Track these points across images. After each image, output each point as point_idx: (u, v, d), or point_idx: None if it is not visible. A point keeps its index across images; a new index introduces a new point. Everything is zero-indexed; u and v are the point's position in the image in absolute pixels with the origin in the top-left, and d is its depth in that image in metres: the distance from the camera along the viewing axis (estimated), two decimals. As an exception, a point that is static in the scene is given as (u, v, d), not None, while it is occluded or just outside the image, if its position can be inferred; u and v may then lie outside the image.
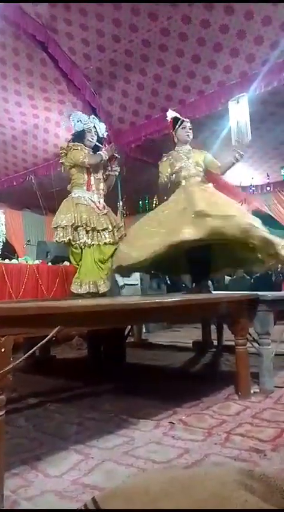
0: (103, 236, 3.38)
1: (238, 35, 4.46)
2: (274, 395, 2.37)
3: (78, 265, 3.40)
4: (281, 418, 1.97)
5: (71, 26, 5.04)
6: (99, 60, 5.37)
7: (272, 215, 7.83)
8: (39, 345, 1.45)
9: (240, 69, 4.80)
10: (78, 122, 3.60)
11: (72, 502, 1.25)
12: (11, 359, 1.33)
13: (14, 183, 7.84)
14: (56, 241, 3.33)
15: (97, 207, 3.44)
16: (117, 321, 2.02)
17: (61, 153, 3.55)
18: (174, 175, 3.31)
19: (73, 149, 3.43)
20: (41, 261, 5.25)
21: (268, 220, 8.71)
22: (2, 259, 4.77)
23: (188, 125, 3.53)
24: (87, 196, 3.43)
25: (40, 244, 6.16)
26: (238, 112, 4.85)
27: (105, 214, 3.49)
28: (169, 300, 2.15)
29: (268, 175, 7.63)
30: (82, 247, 3.32)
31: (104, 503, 0.71)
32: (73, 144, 3.49)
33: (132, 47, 5.04)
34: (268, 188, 7.72)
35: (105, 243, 3.39)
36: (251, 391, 2.41)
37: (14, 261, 4.93)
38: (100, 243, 3.37)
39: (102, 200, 3.54)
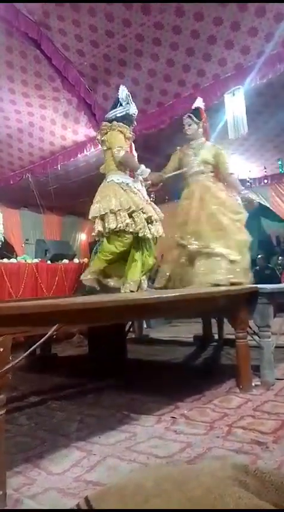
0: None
1: (232, 27, 4.42)
2: (275, 388, 2.38)
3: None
4: (282, 410, 1.97)
5: (64, 22, 5.00)
6: (93, 56, 5.33)
7: (271, 208, 7.81)
8: (38, 343, 1.44)
9: (235, 62, 4.76)
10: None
11: (74, 499, 1.25)
12: (10, 358, 1.33)
13: (11, 182, 7.80)
14: (106, 229, 2.94)
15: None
16: (116, 317, 2.01)
17: None
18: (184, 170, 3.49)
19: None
20: (39, 259, 5.25)
21: (266, 213, 8.72)
22: (0, 259, 4.77)
23: (186, 120, 3.57)
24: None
25: (39, 242, 6.16)
26: (234, 105, 4.87)
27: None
28: (169, 295, 2.15)
29: (265, 168, 7.60)
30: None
31: (97, 502, 0.70)
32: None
33: (126, 41, 5.00)
34: (266, 181, 7.69)
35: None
36: (253, 384, 2.42)
37: (12, 260, 4.92)
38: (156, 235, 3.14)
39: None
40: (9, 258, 4.99)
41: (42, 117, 6.39)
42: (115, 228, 2.91)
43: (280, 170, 7.62)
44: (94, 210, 3.02)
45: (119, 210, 2.91)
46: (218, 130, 5.21)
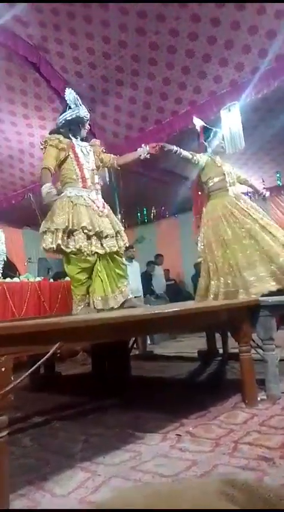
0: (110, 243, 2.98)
1: (225, 45, 4.53)
2: (282, 402, 2.34)
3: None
4: (289, 425, 1.95)
5: (62, 46, 5.15)
6: (91, 77, 5.46)
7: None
8: (39, 362, 1.44)
9: (230, 78, 4.87)
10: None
11: (79, 522, 1.23)
12: (12, 378, 1.33)
13: (13, 202, 7.90)
14: (43, 248, 2.91)
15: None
16: (118, 333, 2.01)
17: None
18: (214, 179, 3.35)
19: None
20: (42, 278, 5.26)
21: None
22: (3, 278, 4.78)
23: (221, 135, 3.54)
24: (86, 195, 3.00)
25: (41, 261, 6.17)
26: (231, 120, 4.95)
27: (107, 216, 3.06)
28: (170, 310, 2.15)
29: (263, 181, 7.66)
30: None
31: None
32: None
33: (123, 62, 5.13)
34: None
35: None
36: (258, 398, 2.39)
37: (15, 279, 4.93)
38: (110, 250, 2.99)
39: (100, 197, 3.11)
40: (12, 277, 5.00)
41: (42, 137, 6.46)
42: (49, 249, 2.85)
43: (278, 182, 7.67)
44: (41, 227, 2.96)
45: (56, 229, 2.81)
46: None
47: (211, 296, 3.09)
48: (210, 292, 3.12)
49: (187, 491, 0.63)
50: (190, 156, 3.34)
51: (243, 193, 3.62)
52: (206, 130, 3.58)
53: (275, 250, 2.89)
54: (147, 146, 3.16)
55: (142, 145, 3.19)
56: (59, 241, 2.79)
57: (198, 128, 3.64)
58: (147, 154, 3.15)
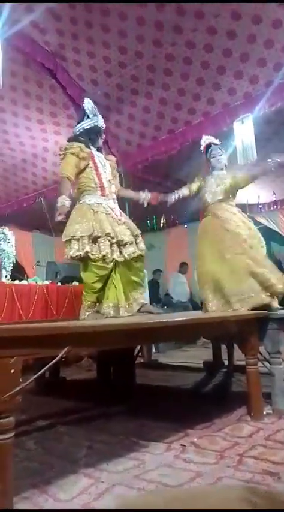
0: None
1: (241, 58, 4.57)
2: (288, 416, 2.32)
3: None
4: (295, 440, 1.93)
5: (79, 54, 5.22)
6: (106, 85, 5.53)
7: (280, 232, 7.82)
8: (48, 365, 1.45)
9: (244, 91, 4.89)
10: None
11: (82, 528, 1.23)
12: (20, 380, 1.34)
13: (24, 205, 7.98)
14: (70, 256, 2.81)
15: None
16: (126, 340, 2.01)
17: None
18: (202, 198, 3.37)
19: None
20: (50, 281, 5.28)
21: (275, 238, 8.73)
22: (12, 280, 4.81)
23: (218, 152, 3.51)
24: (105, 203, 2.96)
25: (49, 264, 6.19)
26: (243, 132, 4.97)
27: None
28: (178, 319, 2.15)
29: (274, 193, 7.65)
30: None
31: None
32: None
33: (138, 72, 5.18)
34: (275, 206, 7.73)
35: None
36: (264, 412, 2.37)
37: (23, 281, 4.96)
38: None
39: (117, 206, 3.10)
40: (20, 279, 5.02)
41: (56, 143, 6.57)
42: (76, 257, 2.80)
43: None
44: (63, 235, 2.89)
45: (82, 236, 2.77)
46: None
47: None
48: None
49: (208, 497, 0.63)
50: (188, 192, 3.43)
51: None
52: (207, 150, 3.58)
53: (263, 264, 2.89)
54: (150, 194, 3.22)
55: (146, 191, 3.25)
56: (88, 248, 2.76)
57: (202, 149, 3.65)
58: (147, 202, 3.24)
